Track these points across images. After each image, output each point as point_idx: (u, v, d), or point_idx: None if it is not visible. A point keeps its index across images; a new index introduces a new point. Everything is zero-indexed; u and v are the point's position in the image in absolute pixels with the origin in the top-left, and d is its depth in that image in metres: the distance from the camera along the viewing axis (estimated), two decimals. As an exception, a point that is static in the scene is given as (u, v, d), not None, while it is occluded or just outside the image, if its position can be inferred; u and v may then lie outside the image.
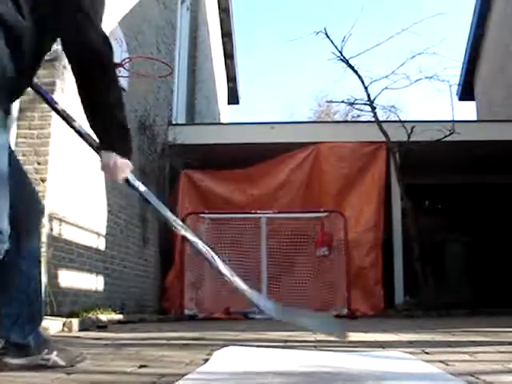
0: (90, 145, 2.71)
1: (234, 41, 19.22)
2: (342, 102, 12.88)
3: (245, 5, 50.70)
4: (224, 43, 18.81)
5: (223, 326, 6.33)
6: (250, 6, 48.14)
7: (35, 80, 2.74)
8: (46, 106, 5.89)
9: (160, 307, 9.91)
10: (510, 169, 11.49)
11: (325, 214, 10.10)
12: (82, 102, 2.63)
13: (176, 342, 4.25)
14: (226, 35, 18.66)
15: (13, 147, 5.70)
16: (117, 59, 7.97)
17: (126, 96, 8.50)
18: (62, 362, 2.63)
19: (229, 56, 19.44)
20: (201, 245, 2.83)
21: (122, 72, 8.14)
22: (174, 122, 11.60)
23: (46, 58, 5.98)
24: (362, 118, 12.86)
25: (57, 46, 6.09)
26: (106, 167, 2.64)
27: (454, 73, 15.62)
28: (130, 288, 8.51)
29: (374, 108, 10.94)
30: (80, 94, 2.60)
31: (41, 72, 5.97)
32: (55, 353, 2.64)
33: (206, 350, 3.36)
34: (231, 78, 20.43)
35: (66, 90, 6.27)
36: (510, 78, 14.28)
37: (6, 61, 2.22)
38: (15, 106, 5.84)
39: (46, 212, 5.73)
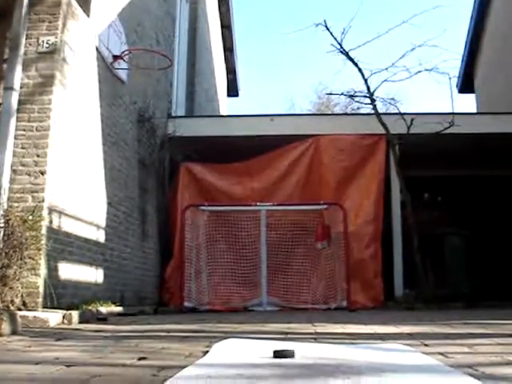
0: None
1: (234, 33, 19.18)
2: (342, 94, 12.87)
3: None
4: (223, 35, 18.77)
5: (223, 319, 6.34)
6: (249, -2, 47.99)
7: None
8: (45, 98, 5.94)
9: (159, 299, 9.93)
10: (510, 162, 11.49)
11: (324, 206, 10.10)
12: None
13: (175, 334, 4.26)
14: (226, 27, 18.62)
15: (12, 140, 5.71)
16: (116, 51, 7.95)
17: (126, 88, 8.53)
18: None
19: (228, 48, 19.41)
20: None
21: (121, 64, 8.12)
22: (173, 115, 11.59)
23: (45, 50, 6.01)
24: (361, 111, 12.83)
25: (55, 39, 6.12)
26: None
27: (454, 65, 15.57)
28: (129, 280, 8.52)
29: (373, 100, 10.92)
30: None
31: (40, 65, 6.01)
32: None
33: (205, 342, 3.37)
34: (231, 70, 20.39)
35: (66, 83, 6.26)
36: (509, 70, 14.25)
37: None
38: (14, 98, 5.83)
39: (46, 204, 5.73)
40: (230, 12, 18.29)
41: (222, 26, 18.42)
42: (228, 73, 20.37)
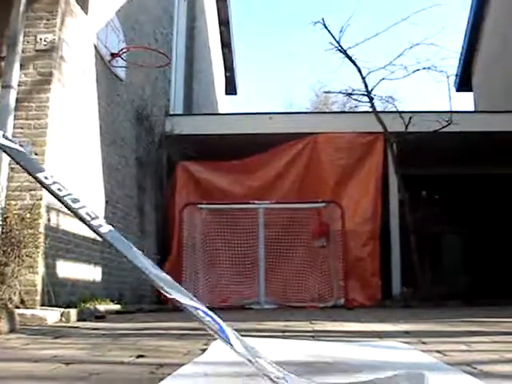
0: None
1: (232, 30, 19.16)
2: (340, 92, 12.88)
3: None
4: (221, 33, 18.74)
5: (221, 317, 6.33)
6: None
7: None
8: (43, 96, 5.93)
9: (157, 297, 9.91)
10: (507, 160, 11.50)
11: (322, 204, 10.10)
12: None
13: (174, 332, 4.26)
14: (224, 24, 18.59)
15: (10, 137, 5.69)
16: (114, 49, 7.94)
17: (124, 86, 8.51)
18: None
19: (226, 45, 19.38)
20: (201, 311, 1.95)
21: (119, 62, 8.12)
22: (171, 113, 11.58)
23: (43, 47, 6.00)
24: (359, 109, 12.79)
25: (53, 37, 6.10)
26: None
27: (452, 63, 15.61)
28: (127, 278, 8.51)
29: (371, 99, 10.92)
30: None
31: (38, 62, 6.00)
32: None
33: (203, 340, 3.37)
34: (229, 68, 20.37)
35: (63, 81, 6.25)
36: (507, 68, 14.27)
37: None
38: (12, 96, 5.82)
39: (44, 202, 5.72)
40: (227, 9, 18.27)
41: (220, 24, 18.40)
42: (226, 71, 20.34)
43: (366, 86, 10.95)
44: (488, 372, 2.24)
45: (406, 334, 3.94)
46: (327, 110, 28.97)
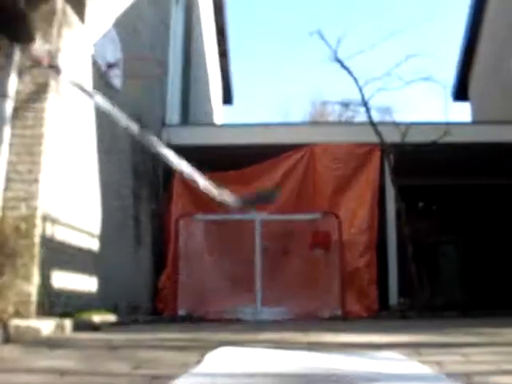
0: None
1: (228, 40, 19.20)
2: (337, 102, 12.89)
3: (239, 4, 50.72)
4: (218, 42, 18.79)
5: (216, 328, 6.31)
6: (243, 5, 48.12)
7: None
8: (39, 106, 5.92)
9: (154, 308, 9.89)
10: (504, 170, 11.52)
11: (319, 215, 10.10)
12: None
13: (169, 343, 4.24)
14: (220, 34, 18.64)
15: (6, 147, 5.69)
16: (111, 58, 7.95)
17: (120, 96, 8.51)
18: None
19: (223, 55, 19.43)
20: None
21: (115, 72, 8.11)
22: (167, 123, 11.57)
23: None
24: (356, 120, 12.82)
25: (50, 46, 6.08)
26: None
27: (449, 74, 15.70)
28: (123, 289, 8.48)
29: (368, 109, 10.94)
30: None
31: (35, 72, 5.99)
32: None
33: (199, 352, 3.35)
34: (225, 78, 20.42)
35: (60, 91, 6.25)
36: (504, 78, 14.31)
37: None
38: (8, 106, 5.81)
39: (39, 213, 5.70)
40: (224, 18, 18.32)
41: (217, 33, 18.45)
42: (223, 81, 20.39)
43: (363, 97, 10.98)
44: (485, 383, 2.23)
45: (403, 345, 3.92)
46: (324, 121, 29.05)
